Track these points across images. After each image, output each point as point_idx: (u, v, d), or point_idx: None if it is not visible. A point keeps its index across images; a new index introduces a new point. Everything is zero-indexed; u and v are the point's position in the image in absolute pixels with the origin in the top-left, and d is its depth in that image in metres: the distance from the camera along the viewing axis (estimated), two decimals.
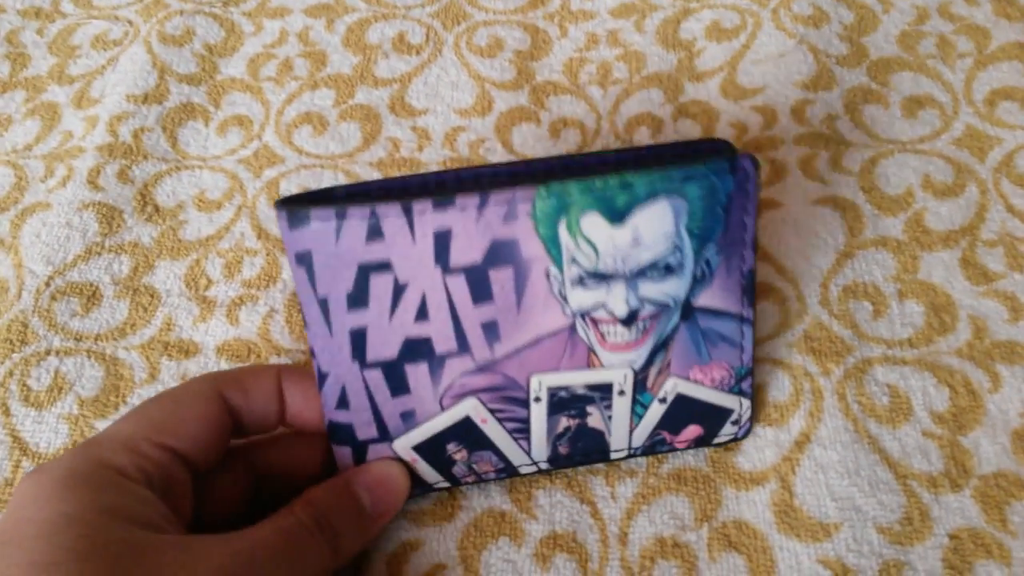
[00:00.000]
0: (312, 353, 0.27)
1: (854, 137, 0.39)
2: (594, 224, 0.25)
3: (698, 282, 0.27)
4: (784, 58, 0.42)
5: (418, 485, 0.29)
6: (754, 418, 0.31)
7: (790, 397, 0.32)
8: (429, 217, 0.25)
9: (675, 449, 0.30)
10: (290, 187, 0.39)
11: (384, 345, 0.26)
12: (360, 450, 0.28)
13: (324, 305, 0.26)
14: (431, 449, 0.28)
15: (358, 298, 0.26)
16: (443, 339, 0.26)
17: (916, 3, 0.44)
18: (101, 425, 0.32)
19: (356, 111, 0.41)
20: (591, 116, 0.41)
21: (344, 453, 0.28)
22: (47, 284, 0.35)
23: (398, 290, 0.26)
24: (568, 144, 0.40)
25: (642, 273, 0.26)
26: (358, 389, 0.27)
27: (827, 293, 0.34)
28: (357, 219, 0.25)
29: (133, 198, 0.38)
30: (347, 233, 0.25)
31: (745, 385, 0.30)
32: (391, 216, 0.25)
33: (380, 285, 0.25)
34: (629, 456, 0.30)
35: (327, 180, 0.39)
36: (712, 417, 0.30)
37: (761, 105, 0.40)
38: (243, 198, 0.38)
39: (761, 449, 0.31)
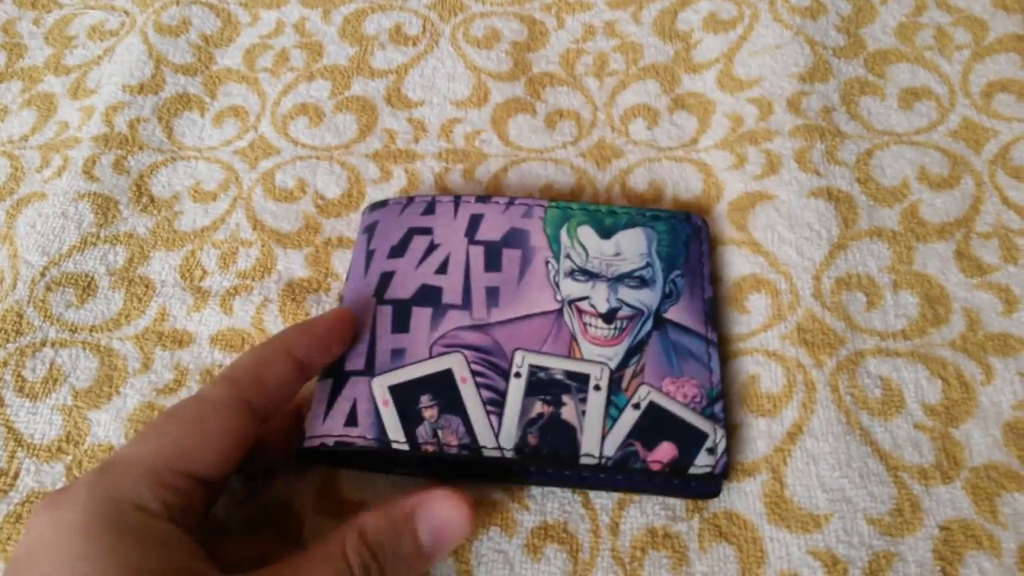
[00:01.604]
0: (341, 301, 0.33)
1: (850, 129, 0.39)
2: (587, 234, 0.33)
3: (667, 297, 0.32)
4: (781, 50, 0.42)
5: (377, 439, 0.28)
6: (731, 459, 0.30)
7: (783, 389, 0.32)
8: (471, 206, 0.34)
9: (648, 471, 0.28)
10: (286, 178, 0.39)
11: (403, 288, 0.32)
12: (340, 380, 0.30)
13: (370, 255, 0.33)
14: (405, 395, 0.29)
15: (398, 250, 0.33)
16: (452, 292, 0.32)
17: None
18: (95, 416, 0.32)
19: (352, 102, 0.41)
20: (587, 107, 0.41)
21: (324, 386, 0.30)
22: (42, 274, 0.36)
23: (431, 248, 0.33)
24: (564, 135, 0.40)
25: (621, 279, 0.32)
26: (366, 322, 0.31)
27: (820, 285, 0.34)
28: (419, 203, 0.35)
29: (129, 189, 0.38)
30: (409, 211, 0.34)
31: (717, 409, 0.29)
32: (444, 202, 0.34)
33: (418, 242, 0.33)
34: (600, 467, 0.28)
35: (323, 171, 0.39)
36: (686, 436, 0.28)
37: (757, 97, 0.40)
38: (238, 189, 0.39)
39: (753, 440, 0.31)
